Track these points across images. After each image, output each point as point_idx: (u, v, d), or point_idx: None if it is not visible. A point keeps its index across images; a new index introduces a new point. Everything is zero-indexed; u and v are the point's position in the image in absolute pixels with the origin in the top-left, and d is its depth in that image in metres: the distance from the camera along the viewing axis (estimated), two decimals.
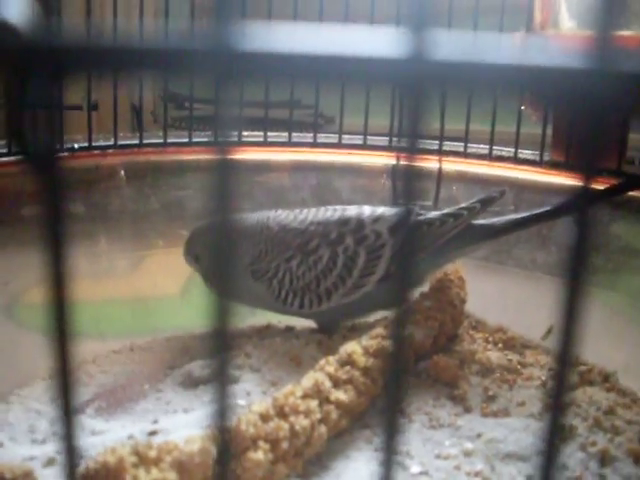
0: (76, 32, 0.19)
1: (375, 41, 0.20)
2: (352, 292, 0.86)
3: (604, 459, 0.67)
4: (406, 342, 0.74)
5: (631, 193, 0.91)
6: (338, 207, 0.91)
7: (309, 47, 0.20)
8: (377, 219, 0.87)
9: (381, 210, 0.89)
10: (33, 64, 0.19)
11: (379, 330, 0.76)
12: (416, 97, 0.19)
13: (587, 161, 0.22)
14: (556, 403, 0.25)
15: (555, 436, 0.25)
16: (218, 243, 0.22)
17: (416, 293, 0.85)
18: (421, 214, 0.88)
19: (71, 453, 0.25)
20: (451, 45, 0.19)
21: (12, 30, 0.19)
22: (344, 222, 0.87)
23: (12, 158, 0.97)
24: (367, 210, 0.89)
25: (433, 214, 0.88)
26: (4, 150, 0.96)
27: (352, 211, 0.89)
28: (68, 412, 0.24)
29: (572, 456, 0.67)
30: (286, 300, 0.88)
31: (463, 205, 0.88)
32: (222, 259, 0.23)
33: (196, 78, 0.20)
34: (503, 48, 0.19)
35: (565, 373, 0.25)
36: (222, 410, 0.24)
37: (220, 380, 0.24)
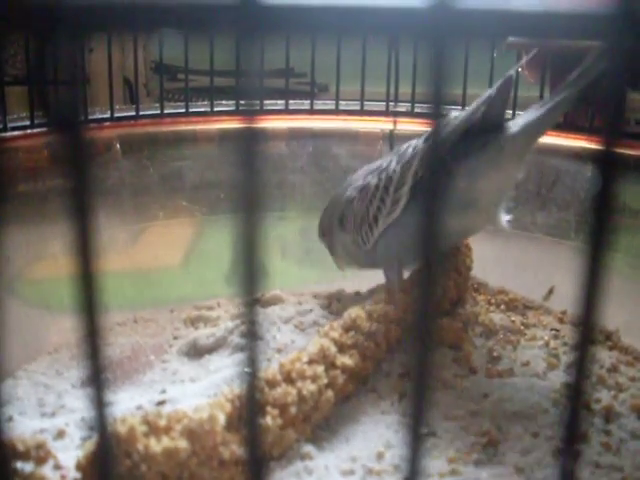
0: None
1: None
2: (392, 210, 0.83)
3: (608, 416, 0.68)
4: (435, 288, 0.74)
5: (628, 151, 0.91)
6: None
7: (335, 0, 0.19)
8: (424, 134, 0.84)
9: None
10: (54, 24, 0.19)
11: (383, 295, 0.76)
12: (442, 49, 0.19)
13: (610, 122, 0.22)
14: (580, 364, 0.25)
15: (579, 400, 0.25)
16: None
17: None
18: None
19: (102, 417, 0.25)
20: None
21: None
22: (405, 149, 0.84)
23: (7, 134, 0.97)
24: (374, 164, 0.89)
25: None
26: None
27: (373, 165, 0.89)
28: (97, 375, 0.24)
29: None
30: (356, 240, 0.87)
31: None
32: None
33: (219, 34, 0.19)
34: None
35: (587, 343, 0.25)
36: (253, 357, 0.24)
37: (251, 330, 0.24)
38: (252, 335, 0.25)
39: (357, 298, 0.93)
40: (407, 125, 1.13)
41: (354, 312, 0.72)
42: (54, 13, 0.18)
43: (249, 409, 0.27)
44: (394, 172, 0.82)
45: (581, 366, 0.27)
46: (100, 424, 0.27)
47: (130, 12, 0.19)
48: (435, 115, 0.24)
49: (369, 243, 0.85)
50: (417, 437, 0.28)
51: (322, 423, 0.65)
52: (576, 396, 0.27)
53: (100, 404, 0.27)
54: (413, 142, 0.84)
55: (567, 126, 1.01)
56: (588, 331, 0.27)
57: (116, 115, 1.05)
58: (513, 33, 0.19)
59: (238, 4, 0.19)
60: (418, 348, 0.27)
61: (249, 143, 0.23)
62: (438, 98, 0.23)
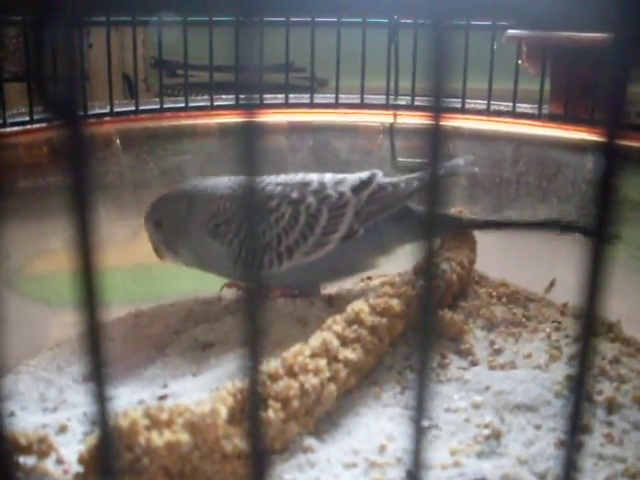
0: None
1: None
2: (314, 250, 0.84)
3: (611, 407, 0.68)
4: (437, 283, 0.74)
5: (630, 143, 0.91)
6: (300, 173, 0.89)
7: None
8: (340, 181, 0.86)
9: (343, 175, 0.88)
10: (53, 7, 0.18)
11: (386, 289, 0.76)
12: (441, 31, 0.19)
13: (612, 115, 0.22)
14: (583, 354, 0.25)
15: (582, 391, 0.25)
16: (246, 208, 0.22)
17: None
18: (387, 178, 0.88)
19: (104, 411, 0.25)
20: None
21: None
22: (306, 183, 0.86)
23: (7, 130, 0.97)
24: (329, 175, 0.89)
25: (399, 177, 0.88)
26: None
27: (314, 175, 0.88)
28: (99, 370, 0.24)
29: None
30: (246, 260, 0.85)
31: (423, 174, 0.86)
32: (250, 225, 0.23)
33: (219, 15, 0.19)
34: None
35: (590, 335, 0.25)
36: (254, 351, 0.24)
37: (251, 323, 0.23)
38: (254, 329, 0.25)
39: (360, 292, 0.92)
40: (407, 118, 1.13)
41: (357, 306, 0.72)
42: None
43: (251, 403, 0.27)
44: (318, 212, 0.84)
45: (584, 357, 0.27)
46: (102, 418, 0.27)
47: None
48: (436, 108, 0.24)
49: (270, 268, 0.85)
50: (420, 429, 0.28)
51: (324, 416, 0.65)
52: (579, 386, 0.27)
53: (102, 398, 0.27)
54: (327, 178, 0.87)
55: (568, 118, 1.01)
56: (591, 322, 0.26)
57: (116, 110, 1.05)
58: (516, 18, 0.19)
59: None
60: (421, 342, 0.27)
61: (250, 137, 0.23)
62: (439, 88, 0.23)
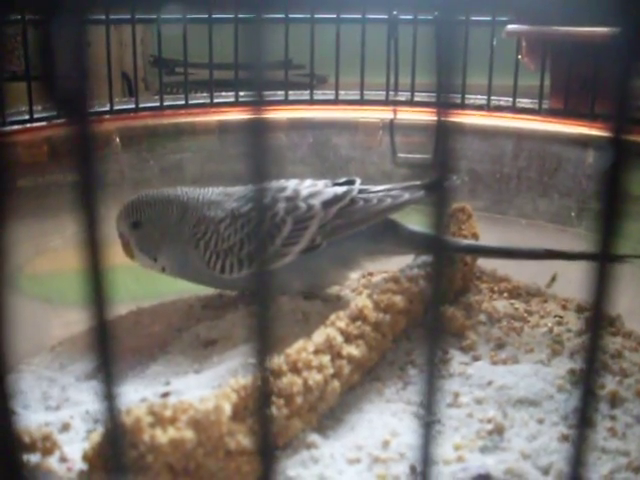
0: None
1: None
2: (273, 260, 0.83)
3: (614, 401, 0.68)
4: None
5: (630, 137, 0.91)
6: (283, 180, 0.88)
7: None
8: (314, 194, 0.85)
9: (322, 184, 0.87)
10: (57, 4, 0.18)
11: (390, 285, 0.76)
12: (450, 26, 0.19)
13: (618, 109, 0.22)
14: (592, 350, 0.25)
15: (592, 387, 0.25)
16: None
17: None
18: (364, 190, 0.86)
19: (111, 408, 0.25)
20: None
21: None
22: (281, 189, 0.85)
23: (6, 129, 0.96)
24: (307, 182, 0.87)
25: (375, 190, 0.87)
26: None
27: (292, 182, 0.87)
28: (106, 367, 0.24)
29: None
30: (209, 263, 0.85)
31: (409, 184, 0.86)
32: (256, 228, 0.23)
33: (221, 11, 0.19)
34: None
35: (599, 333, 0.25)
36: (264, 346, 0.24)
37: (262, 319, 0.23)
38: (262, 326, 0.25)
39: (362, 288, 0.93)
40: (407, 114, 1.13)
41: (361, 302, 0.72)
42: None
43: (258, 400, 0.27)
44: (283, 222, 0.83)
45: (591, 351, 0.27)
46: (108, 415, 0.27)
47: None
48: (439, 103, 0.24)
49: (229, 274, 0.84)
50: (426, 424, 0.28)
51: (327, 412, 0.65)
52: (586, 380, 0.27)
53: (109, 395, 0.27)
54: (304, 187, 0.86)
55: (568, 113, 1.01)
56: (598, 317, 0.26)
57: (115, 108, 1.05)
58: (519, 13, 0.19)
59: None
60: (428, 338, 0.27)
61: (255, 134, 0.23)
62: (443, 83, 0.23)
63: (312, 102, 1.14)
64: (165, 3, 0.20)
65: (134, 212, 0.88)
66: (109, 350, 0.25)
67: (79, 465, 0.54)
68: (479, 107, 1.11)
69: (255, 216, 0.26)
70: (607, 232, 0.26)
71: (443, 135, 0.24)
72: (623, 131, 0.25)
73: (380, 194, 0.85)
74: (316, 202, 0.84)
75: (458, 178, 0.88)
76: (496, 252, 0.88)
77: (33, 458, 0.55)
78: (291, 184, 0.86)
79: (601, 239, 0.26)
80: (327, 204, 0.84)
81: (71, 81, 0.20)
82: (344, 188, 0.85)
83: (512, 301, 0.89)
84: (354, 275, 0.91)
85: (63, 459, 0.58)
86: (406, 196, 0.83)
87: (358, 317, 0.70)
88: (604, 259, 0.27)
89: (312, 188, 0.86)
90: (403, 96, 1.15)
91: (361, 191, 0.86)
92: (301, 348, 0.63)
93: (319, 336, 0.66)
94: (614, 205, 0.25)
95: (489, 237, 0.92)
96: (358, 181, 0.88)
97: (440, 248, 0.27)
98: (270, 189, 0.84)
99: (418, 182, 0.85)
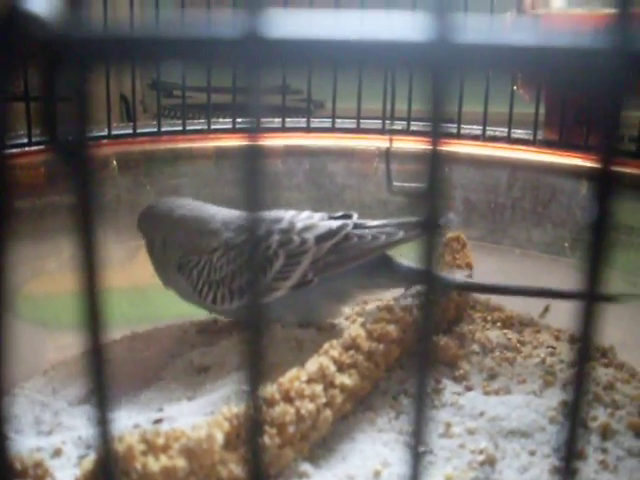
0: (101, 24, 0.19)
1: (397, 26, 0.20)
2: (264, 294, 0.82)
3: (605, 433, 0.68)
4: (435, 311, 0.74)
5: (621, 169, 0.91)
6: (281, 210, 0.88)
7: (335, 33, 0.20)
8: (308, 227, 0.85)
9: (318, 217, 0.87)
10: (63, 55, 0.19)
11: (383, 314, 0.76)
12: (440, 81, 0.19)
13: (606, 142, 0.22)
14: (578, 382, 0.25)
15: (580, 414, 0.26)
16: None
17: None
18: (360, 225, 0.86)
19: (105, 435, 0.25)
20: (470, 28, 0.19)
21: (41, 23, 0.19)
22: (277, 220, 0.85)
23: (8, 152, 0.97)
24: (304, 214, 0.87)
25: (370, 225, 0.86)
26: None
27: (289, 213, 0.87)
28: (101, 392, 0.24)
29: None
30: (201, 293, 0.85)
31: (404, 220, 0.86)
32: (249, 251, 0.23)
33: (224, 66, 0.20)
34: (522, 30, 0.19)
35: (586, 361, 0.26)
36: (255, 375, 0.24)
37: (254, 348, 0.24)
38: (254, 355, 0.25)
39: (355, 316, 0.93)
40: (403, 143, 1.14)
41: (354, 331, 0.72)
42: (59, 46, 0.19)
43: (250, 429, 0.27)
44: (275, 256, 0.82)
45: (579, 383, 0.27)
46: (101, 441, 0.27)
47: (134, 45, 0.19)
48: (434, 135, 0.24)
49: (220, 304, 0.85)
50: (416, 455, 0.28)
51: (319, 441, 0.65)
52: (574, 413, 0.27)
53: (102, 421, 0.27)
54: (300, 220, 0.86)
55: (562, 144, 1.01)
56: (586, 348, 0.27)
57: (113, 133, 1.06)
58: (511, 68, 0.20)
59: (241, 38, 0.19)
60: (419, 368, 0.27)
61: (251, 161, 0.23)
62: (436, 123, 0.23)
63: (309, 130, 1.15)
64: (167, 57, 0.20)
65: (151, 230, 0.90)
66: (103, 375, 0.25)
67: None
68: (475, 137, 1.12)
69: (248, 248, 0.26)
70: (594, 270, 0.26)
71: (435, 167, 0.25)
72: (611, 162, 0.25)
73: (375, 230, 0.84)
74: (310, 236, 0.84)
75: (453, 216, 0.88)
76: (488, 289, 0.89)
77: None
78: (287, 215, 0.86)
79: (588, 278, 0.26)
80: (321, 239, 0.83)
81: (73, 134, 0.20)
82: (339, 222, 0.85)
83: (505, 331, 0.90)
84: (347, 309, 0.91)
85: None
86: (400, 234, 0.83)
87: (351, 346, 0.70)
88: (592, 299, 0.27)
89: (307, 221, 0.86)
90: (399, 125, 1.16)
91: (356, 226, 0.85)
92: (294, 377, 0.63)
93: (312, 365, 0.66)
94: (602, 241, 0.26)
95: (483, 266, 0.92)
96: (355, 215, 0.88)
97: (433, 286, 0.27)
98: (266, 220, 0.84)
99: (413, 218, 0.84)
